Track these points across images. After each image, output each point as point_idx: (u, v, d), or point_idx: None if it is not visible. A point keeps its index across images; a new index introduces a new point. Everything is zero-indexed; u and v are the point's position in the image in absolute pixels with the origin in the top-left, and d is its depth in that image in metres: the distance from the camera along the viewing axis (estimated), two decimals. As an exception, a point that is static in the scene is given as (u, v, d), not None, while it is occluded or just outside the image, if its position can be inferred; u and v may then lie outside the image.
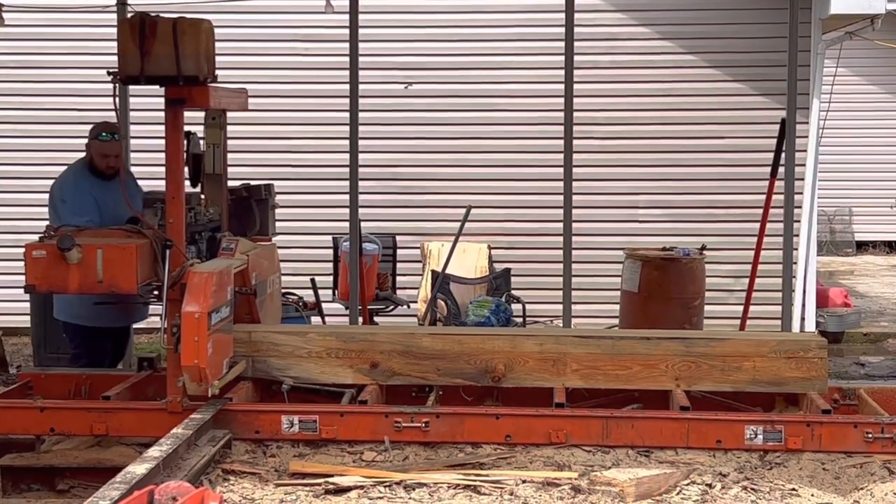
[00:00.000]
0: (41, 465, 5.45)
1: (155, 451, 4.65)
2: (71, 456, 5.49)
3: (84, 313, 6.60)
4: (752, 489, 4.73)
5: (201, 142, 6.23)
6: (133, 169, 6.20)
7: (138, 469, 4.39)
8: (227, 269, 5.46)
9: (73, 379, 6.18)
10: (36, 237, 5.62)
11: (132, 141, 8.66)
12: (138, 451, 5.19)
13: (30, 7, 10.78)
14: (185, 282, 5.25)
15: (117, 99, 5.38)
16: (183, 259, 5.43)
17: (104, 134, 6.56)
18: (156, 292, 5.59)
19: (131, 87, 5.46)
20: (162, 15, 5.43)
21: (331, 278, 10.25)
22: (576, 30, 8.35)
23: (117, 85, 5.44)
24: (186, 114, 5.60)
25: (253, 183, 6.71)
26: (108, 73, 5.39)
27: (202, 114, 6.39)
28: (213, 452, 5.00)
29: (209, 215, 6.08)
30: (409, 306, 10.49)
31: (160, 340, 5.43)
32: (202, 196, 6.19)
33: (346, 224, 8.54)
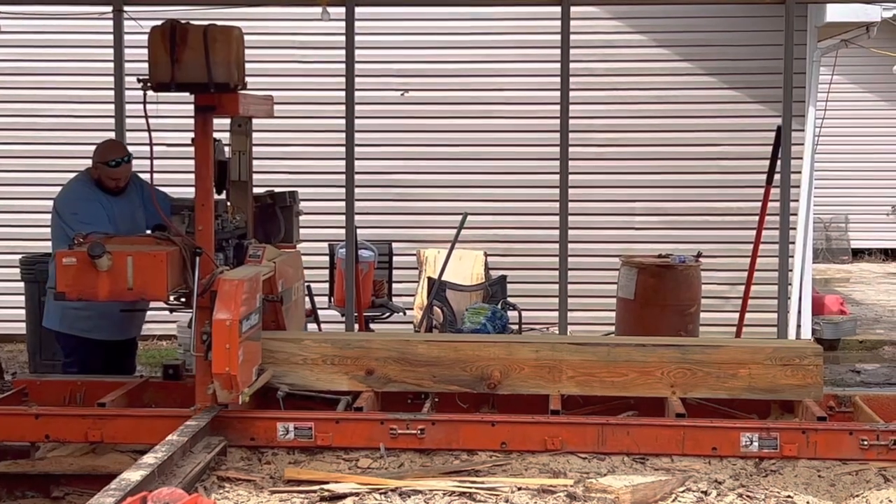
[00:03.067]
0: (36, 472, 5.43)
1: (150, 458, 4.64)
2: (66, 463, 5.48)
3: (76, 324, 6.59)
4: (748, 496, 4.73)
5: (226, 148, 6.22)
6: (156, 176, 6.16)
7: (133, 476, 4.38)
8: (257, 276, 5.46)
9: (69, 386, 6.17)
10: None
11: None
12: (133, 457, 5.18)
13: (26, 14, 10.79)
14: (215, 289, 5.24)
15: (147, 106, 5.35)
16: (213, 266, 5.41)
17: (113, 161, 6.56)
18: (183, 299, 5.57)
19: (148, 94, 5.39)
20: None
21: (327, 285, 10.25)
22: (572, 37, 8.37)
23: (147, 92, 5.40)
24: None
25: (277, 190, 6.70)
26: (139, 80, 5.38)
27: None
28: (208, 459, 4.99)
29: (235, 222, 6.07)
30: (405, 313, 10.49)
31: (191, 347, 5.39)
32: (228, 203, 6.18)
33: (343, 231, 8.55)
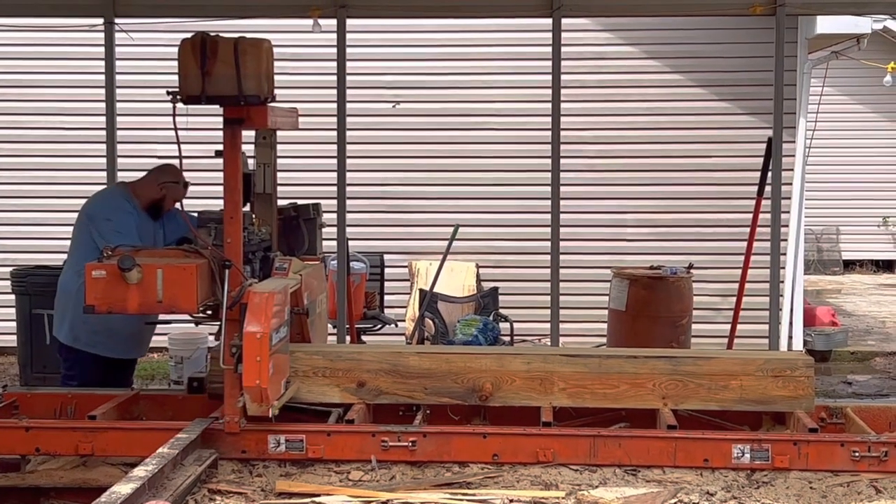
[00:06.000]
0: (26, 485, 5.42)
1: (140, 471, 4.62)
2: (56, 476, 5.46)
3: (83, 338, 6.62)
4: (740, 508, 4.73)
5: (249, 161, 6.21)
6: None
7: (123, 489, 4.36)
8: (285, 288, 5.44)
9: (59, 398, 6.14)
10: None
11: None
12: (124, 470, 5.16)
13: (16, 26, 10.77)
14: (244, 301, 5.22)
15: (177, 119, 5.32)
16: (242, 279, 5.40)
17: (186, 182, 6.61)
18: (209, 312, 5.55)
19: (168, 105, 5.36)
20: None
21: (318, 297, 10.23)
22: (563, 49, 8.39)
23: (176, 105, 5.38)
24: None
25: (300, 202, 6.70)
26: (168, 93, 5.36)
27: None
28: (199, 472, 4.97)
29: (261, 235, 6.07)
30: (396, 325, 10.49)
31: (220, 360, 5.34)
32: (254, 215, 6.18)
33: (334, 242, 8.54)
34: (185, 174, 5.93)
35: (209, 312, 5.55)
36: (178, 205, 6.63)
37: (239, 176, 5.45)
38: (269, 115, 5.45)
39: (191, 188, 6.66)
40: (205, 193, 6.97)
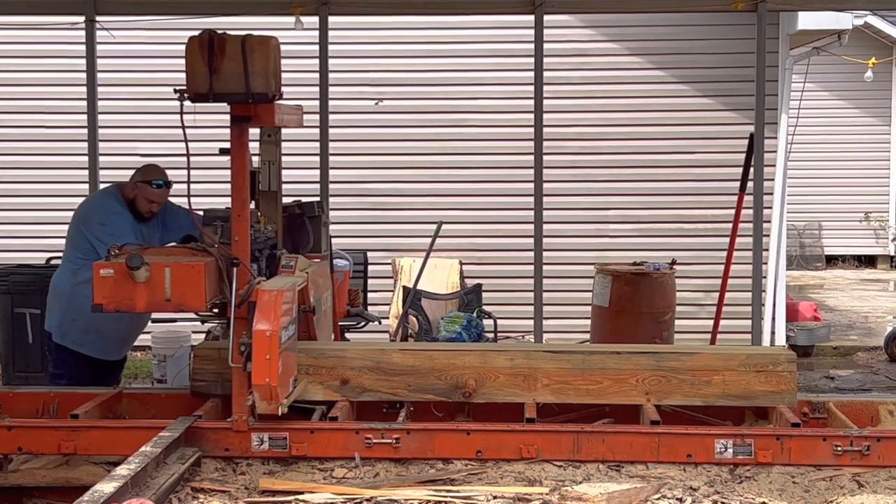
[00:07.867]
0: (9, 484, 5.40)
1: (123, 470, 4.61)
2: (39, 475, 5.45)
3: (70, 337, 6.62)
4: (723, 503, 4.73)
5: (254, 158, 6.19)
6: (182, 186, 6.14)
7: (106, 488, 4.35)
8: (293, 286, 5.42)
9: (42, 397, 6.13)
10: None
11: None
12: (107, 469, 5.15)
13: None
14: (253, 300, 5.21)
15: (184, 117, 5.30)
16: (250, 276, 5.38)
17: (159, 181, 6.61)
18: (216, 310, 5.53)
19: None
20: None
21: (302, 295, 10.22)
22: (545, 45, 8.40)
23: (184, 103, 5.35)
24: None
25: (305, 200, 6.69)
26: (175, 91, 5.34)
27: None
28: (182, 470, 4.96)
29: (267, 232, 6.05)
30: (380, 322, 10.46)
31: (229, 359, 5.32)
32: (259, 213, 6.16)
33: (317, 240, 8.53)
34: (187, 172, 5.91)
35: (216, 311, 5.54)
36: (184, 203, 6.63)
37: (246, 174, 5.44)
38: (276, 112, 5.44)
39: (194, 186, 6.65)
40: (207, 191, 6.93)
